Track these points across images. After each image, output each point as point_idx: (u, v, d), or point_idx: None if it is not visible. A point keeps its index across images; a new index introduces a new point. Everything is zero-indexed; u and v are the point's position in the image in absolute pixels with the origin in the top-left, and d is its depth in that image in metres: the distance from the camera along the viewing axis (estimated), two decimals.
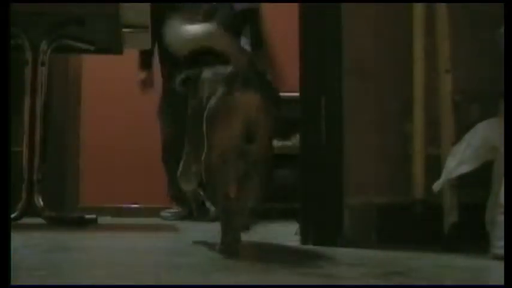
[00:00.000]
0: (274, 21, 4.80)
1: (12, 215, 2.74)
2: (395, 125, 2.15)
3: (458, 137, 1.94)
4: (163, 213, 3.99)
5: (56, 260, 1.61)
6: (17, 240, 2.02)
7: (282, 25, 4.64)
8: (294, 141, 4.34)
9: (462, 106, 2.09)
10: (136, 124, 4.41)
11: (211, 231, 2.98)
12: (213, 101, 1.74)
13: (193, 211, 2.79)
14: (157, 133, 4.08)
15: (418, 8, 2.11)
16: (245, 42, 4.67)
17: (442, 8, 2.07)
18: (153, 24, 3.42)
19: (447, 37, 2.06)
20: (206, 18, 3.81)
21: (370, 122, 2.15)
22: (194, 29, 1.83)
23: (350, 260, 1.72)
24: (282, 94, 4.70)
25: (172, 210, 4.00)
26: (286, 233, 2.44)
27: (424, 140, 2.09)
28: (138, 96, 4.21)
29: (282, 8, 4.64)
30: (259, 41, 4.73)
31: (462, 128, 1.95)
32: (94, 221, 3.03)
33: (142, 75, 4.02)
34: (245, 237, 2.47)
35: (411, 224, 2.08)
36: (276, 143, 4.60)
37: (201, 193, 2.60)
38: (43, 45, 2.95)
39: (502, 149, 1.70)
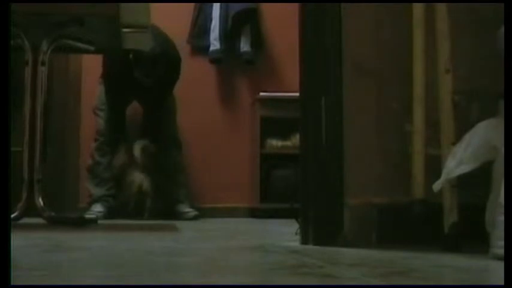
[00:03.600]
0: (274, 21, 4.80)
1: (12, 215, 2.74)
2: (395, 125, 2.15)
3: (458, 137, 1.94)
4: (88, 214, 3.92)
5: (56, 260, 1.61)
6: (17, 240, 2.02)
7: (282, 25, 4.65)
8: (294, 141, 4.34)
9: (462, 106, 2.09)
10: (135, 124, 4.40)
11: (211, 231, 2.98)
12: None
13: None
14: None
15: (418, 8, 2.11)
16: (245, 42, 4.67)
17: (442, 8, 2.07)
18: None
19: (447, 37, 2.06)
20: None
21: (370, 122, 2.15)
22: None
23: (350, 260, 1.72)
24: (282, 94, 4.75)
25: (96, 210, 3.98)
26: (286, 233, 2.44)
27: (424, 140, 2.09)
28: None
29: (282, 8, 4.64)
30: (259, 41, 4.74)
31: (462, 128, 1.95)
32: (94, 221, 3.03)
33: None
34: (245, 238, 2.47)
35: (411, 224, 2.08)
36: (276, 143, 4.67)
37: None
38: (43, 45, 2.95)
39: (502, 149, 1.70)
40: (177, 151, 4.22)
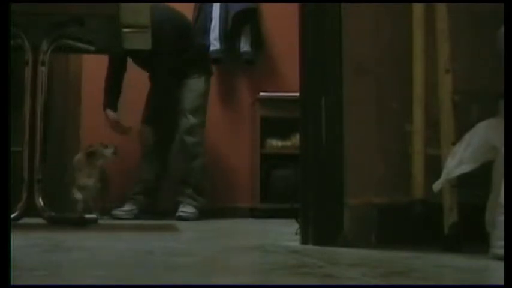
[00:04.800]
0: (274, 21, 4.80)
1: (12, 215, 2.74)
2: (395, 125, 2.15)
3: (458, 137, 1.94)
4: (116, 212, 4.00)
5: (56, 260, 1.61)
6: (17, 240, 2.02)
7: (282, 25, 4.65)
8: (294, 141, 4.34)
9: (462, 106, 2.08)
10: (136, 124, 4.40)
11: (211, 231, 2.98)
12: None
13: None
14: None
15: (418, 8, 2.11)
16: (245, 42, 4.67)
17: (442, 8, 2.07)
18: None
19: (447, 37, 2.06)
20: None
21: (370, 122, 2.15)
22: None
23: (350, 260, 1.72)
24: (282, 94, 4.74)
25: (125, 209, 4.02)
26: (286, 233, 2.44)
27: (424, 140, 2.09)
28: (137, 96, 4.22)
29: (282, 8, 4.64)
30: (259, 41, 4.74)
31: (462, 128, 1.95)
32: (94, 221, 3.03)
33: (111, 116, 4.17)
34: (245, 239, 2.46)
35: (411, 224, 2.08)
36: (276, 143, 4.67)
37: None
38: (43, 46, 2.95)
39: (502, 149, 1.70)
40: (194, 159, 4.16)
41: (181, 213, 4.00)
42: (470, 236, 1.88)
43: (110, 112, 4.17)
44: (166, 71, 4.01)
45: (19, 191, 2.83)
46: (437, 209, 1.98)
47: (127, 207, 4.05)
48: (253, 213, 4.49)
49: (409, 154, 2.10)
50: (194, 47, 4.25)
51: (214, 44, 4.58)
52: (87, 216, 3.08)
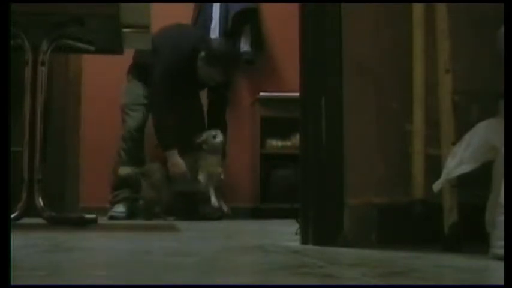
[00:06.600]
0: (274, 21, 4.80)
1: (12, 215, 2.74)
2: (395, 125, 2.15)
3: (458, 137, 1.94)
4: (112, 213, 3.99)
5: (56, 260, 1.61)
6: (17, 240, 2.02)
7: (282, 25, 4.65)
8: (294, 141, 4.34)
9: (462, 106, 2.08)
10: None
11: (211, 231, 2.98)
12: None
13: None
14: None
15: (418, 8, 2.11)
16: (245, 42, 4.67)
17: (442, 8, 2.07)
18: None
19: (447, 37, 2.06)
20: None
21: (370, 122, 2.15)
22: None
23: (350, 260, 1.72)
24: (282, 94, 4.76)
25: (121, 209, 4.02)
26: (286, 233, 2.44)
27: (424, 140, 2.09)
28: None
29: (282, 8, 4.64)
30: (259, 41, 4.74)
31: (462, 128, 1.95)
32: (94, 221, 3.03)
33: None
34: (247, 238, 2.46)
35: (411, 224, 2.08)
36: (276, 143, 4.67)
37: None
38: (43, 45, 2.95)
39: (502, 149, 1.70)
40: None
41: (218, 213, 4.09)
42: (470, 236, 1.88)
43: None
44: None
45: (19, 191, 2.83)
46: (437, 209, 1.98)
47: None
48: (254, 213, 4.49)
49: (409, 154, 2.10)
50: None
51: None
52: (87, 216, 3.08)
